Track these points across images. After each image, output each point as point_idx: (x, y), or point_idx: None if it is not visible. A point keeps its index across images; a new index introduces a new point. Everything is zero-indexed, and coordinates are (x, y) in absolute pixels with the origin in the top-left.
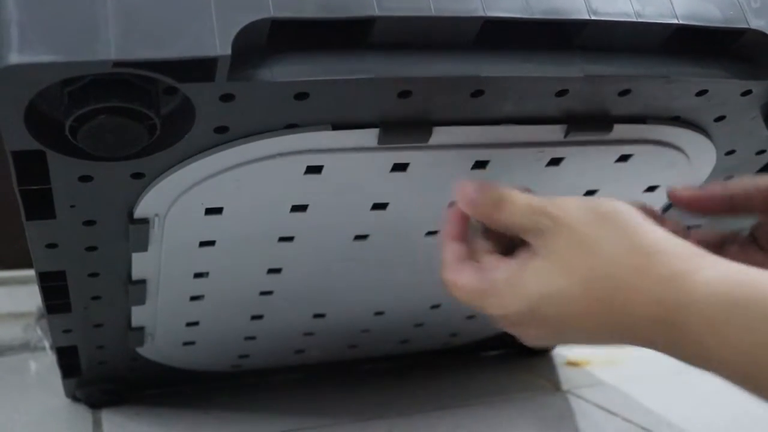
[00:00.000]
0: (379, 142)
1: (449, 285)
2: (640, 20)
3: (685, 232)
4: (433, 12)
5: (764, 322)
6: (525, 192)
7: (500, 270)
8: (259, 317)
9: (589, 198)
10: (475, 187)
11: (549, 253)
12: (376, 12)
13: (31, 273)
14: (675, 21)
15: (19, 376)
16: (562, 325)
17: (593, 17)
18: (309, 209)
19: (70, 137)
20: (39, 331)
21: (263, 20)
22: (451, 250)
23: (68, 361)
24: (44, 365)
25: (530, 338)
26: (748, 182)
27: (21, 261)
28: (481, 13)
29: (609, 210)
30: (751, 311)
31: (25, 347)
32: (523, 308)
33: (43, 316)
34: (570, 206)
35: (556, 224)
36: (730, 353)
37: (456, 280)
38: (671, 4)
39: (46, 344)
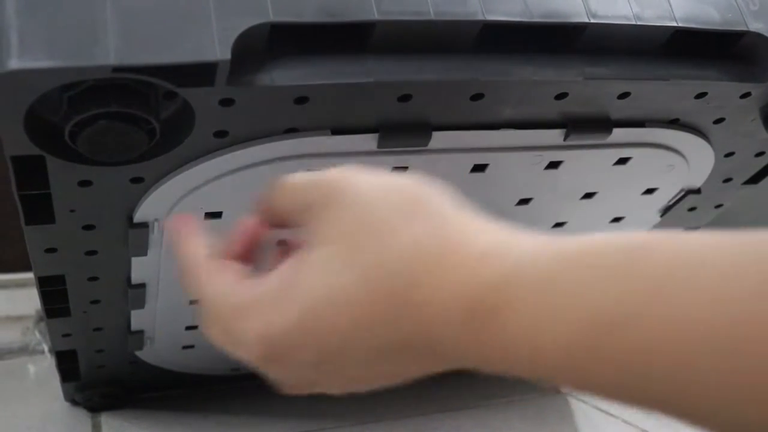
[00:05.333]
0: (379, 146)
1: (201, 299)
2: (639, 23)
3: None
4: (432, 16)
5: (618, 273)
6: None
7: (268, 279)
8: None
9: (383, 174)
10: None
11: (323, 241)
12: (376, 16)
13: (29, 276)
14: (674, 24)
15: (18, 380)
16: (337, 346)
17: (592, 20)
18: None
19: (69, 142)
20: (38, 335)
21: (263, 25)
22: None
23: (67, 365)
24: (43, 368)
25: (297, 377)
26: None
27: (19, 264)
28: (480, 17)
29: (406, 188)
30: (597, 267)
31: (24, 350)
32: (294, 318)
33: (42, 319)
34: (358, 179)
35: (334, 198)
36: (562, 321)
37: (207, 290)
38: (670, 6)
39: (45, 347)
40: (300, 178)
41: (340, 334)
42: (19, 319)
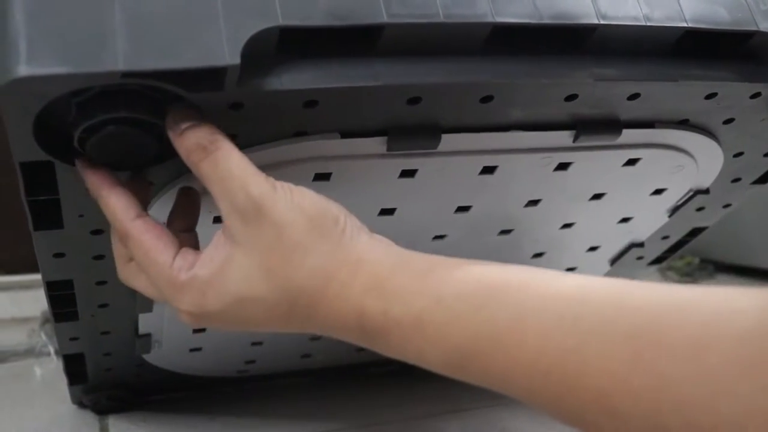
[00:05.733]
0: (388, 149)
1: (143, 249)
2: (648, 24)
3: None
4: (442, 18)
5: (469, 316)
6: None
7: (201, 266)
8: None
9: (300, 193)
10: (192, 121)
11: (253, 249)
12: (385, 19)
13: (35, 277)
14: (684, 24)
15: (25, 382)
16: (261, 323)
17: (602, 21)
18: None
19: (78, 148)
20: (43, 337)
21: (272, 28)
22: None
23: (75, 368)
24: (49, 371)
25: (216, 328)
26: None
27: (25, 265)
28: (490, 19)
29: (317, 214)
30: (455, 306)
31: (30, 353)
32: (222, 307)
33: (48, 321)
34: (280, 200)
35: (263, 218)
36: (436, 348)
37: (153, 252)
38: (680, 7)
39: (51, 349)
40: (245, 176)
41: (258, 321)
42: (24, 320)
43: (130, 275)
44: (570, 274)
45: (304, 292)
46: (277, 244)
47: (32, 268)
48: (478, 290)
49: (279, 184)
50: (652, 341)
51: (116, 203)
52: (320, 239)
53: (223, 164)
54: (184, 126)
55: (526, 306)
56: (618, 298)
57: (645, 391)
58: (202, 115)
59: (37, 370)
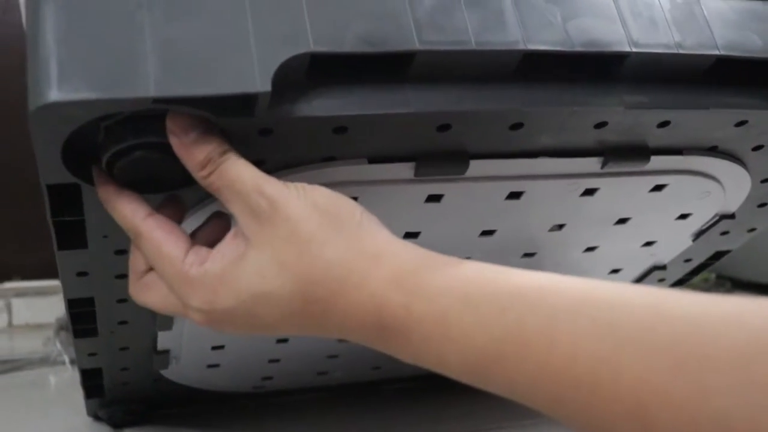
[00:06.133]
0: (416, 174)
1: (154, 246)
2: (681, 52)
3: None
4: (473, 45)
5: (497, 317)
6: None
7: (213, 261)
8: (285, 340)
9: (312, 189)
10: (198, 131)
11: (266, 246)
12: (417, 46)
13: (49, 284)
14: (716, 52)
15: (39, 391)
16: (274, 323)
17: (634, 49)
18: None
19: (105, 171)
20: (59, 345)
21: (303, 55)
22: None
23: (92, 382)
24: (64, 380)
25: (231, 332)
26: None
27: (39, 272)
28: (521, 46)
29: (331, 208)
30: (482, 306)
31: (45, 361)
32: (233, 304)
33: (63, 329)
34: (292, 197)
35: (276, 214)
36: (459, 350)
37: (165, 247)
38: (712, 34)
39: (66, 359)
40: (254, 176)
41: (271, 320)
42: (39, 327)
43: (140, 290)
44: (604, 281)
45: (320, 285)
46: (291, 238)
47: (47, 275)
48: (506, 291)
49: (291, 183)
50: (694, 351)
51: (125, 205)
52: (336, 232)
53: (233, 171)
54: (190, 136)
55: (557, 309)
56: (656, 305)
57: (685, 403)
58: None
59: (52, 379)
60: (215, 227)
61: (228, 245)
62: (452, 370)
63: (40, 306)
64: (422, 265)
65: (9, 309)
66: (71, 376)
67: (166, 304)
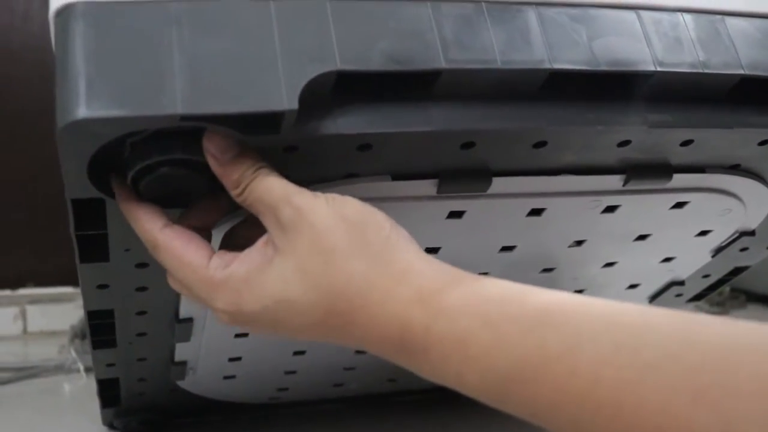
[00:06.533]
0: (438, 191)
1: (174, 255)
2: (705, 71)
3: None
4: (499, 64)
5: (518, 338)
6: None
7: (239, 264)
8: (302, 353)
9: (342, 201)
10: (234, 152)
11: (291, 254)
12: (443, 65)
13: (64, 290)
14: (741, 71)
15: (54, 399)
16: (296, 330)
17: (659, 68)
18: None
19: (131, 186)
20: (73, 353)
21: (330, 73)
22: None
23: (109, 392)
24: (78, 387)
25: (255, 332)
26: None
27: (54, 278)
28: (547, 65)
29: (359, 221)
30: (502, 327)
31: (60, 369)
32: (258, 309)
33: (77, 336)
34: (320, 207)
35: (301, 222)
36: (478, 370)
37: (186, 255)
38: (737, 53)
39: (81, 366)
40: (274, 190)
41: (293, 327)
42: (53, 334)
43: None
44: (628, 303)
45: (342, 298)
46: (316, 247)
47: (62, 281)
48: (528, 312)
49: (321, 193)
50: (718, 379)
51: (142, 215)
52: (362, 245)
53: (264, 185)
54: (227, 156)
55: (580, 332)
56: (681, 330)
57: (708, 431)
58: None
59: (67, 387)
60: (246, 234)
61: (257, 250)
62: (471, 389)
63: (54, 313)
64: (446, 283)
65: (24, 316)
66: (86, 384)
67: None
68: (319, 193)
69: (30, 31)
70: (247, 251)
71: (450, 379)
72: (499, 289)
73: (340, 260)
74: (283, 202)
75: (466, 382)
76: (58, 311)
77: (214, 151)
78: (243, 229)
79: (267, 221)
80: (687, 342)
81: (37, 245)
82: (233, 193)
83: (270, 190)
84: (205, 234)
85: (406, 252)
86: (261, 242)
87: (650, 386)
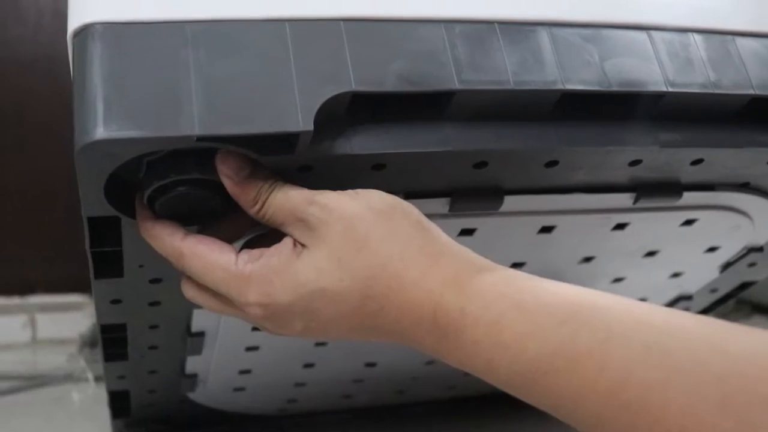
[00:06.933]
0: (450, 209)
1: (199, 260)
2: (716, 91)
3: None
4: (512, 85)
5: (551, 329)
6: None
7: (270, 256)
8: (311, 365)
9: (366, 193)
10: (248, 170)
11: (324, 245)
12: (456, 86)
13: (73, 298)
14: (751, 91)
15: (63, 408)
16: (329, 321)
17: (671, 89)
18: None
19: (147, 205)
20: (83, 362)
21: (345, 94)
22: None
23: (119, 403)
24: (88, 397)
25: (288, 332)
26: None
27: (63, 285)
28: (559, 86)
29: (387, 209)
30: (537, 316)
31: (69, 378)
32: (291, 299)
33: (87, 345)
34: (345, 200)
35: (330, 216)
36: (509, 357)
37: (212, 256)
38: (747, 73)
39: (90, 375)
40: (301, 191)
41: (327, 318)
42: (62, 342)
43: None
44: (660, 307)
45: (378, 281)
46: (348, 235)
47: (71, 288)
48: (562, 304)
49: (344, 190)
50: (744, 386)
51: (162, 229)
52: (394, 231)
53: (281, 195)
54: (241, 175)
55: (611, 329)
56: (710, 336)
57: None
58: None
59: (76, 396)
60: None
61: (285, 245)
62: (499, 377)
63: (64, 321)
64: (480, 269)
65: (33, 323)
66: (95, 393)
67: (218, 307)
68: (341, 191)
69: (41, 42)
70: (275, 246)
71: (480, 365)
72: (533, 281)
73: (374, 245)
74: (306, 203)
75: (496, 368)
76: (67, 319)
77: (228, 172)
78: (262, 242)
79: (292, 229)
80: (715, 348)
81: (47, 252)
82: (252, 211)
83: (289, 198)
84: None
85: (439, 237)
86: (288, 241)
87: (678, 388)
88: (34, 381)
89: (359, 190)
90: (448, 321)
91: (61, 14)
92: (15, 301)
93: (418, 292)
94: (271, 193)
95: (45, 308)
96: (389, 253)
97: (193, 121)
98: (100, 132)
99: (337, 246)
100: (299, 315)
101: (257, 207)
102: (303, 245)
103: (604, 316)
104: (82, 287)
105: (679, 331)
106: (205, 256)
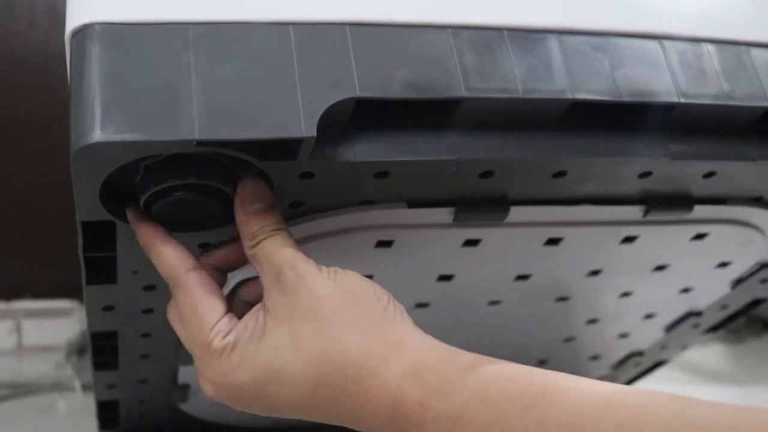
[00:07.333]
0: (455, 219)
1: (189, 302)
2: (730, 103)
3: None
4: (520, 93)
5: (517, 416)
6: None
7: (236, 332)
8: None
9: (343, 273)
10: (261, 205)
11: (284, 318)
12: (463, 93)
13: (61, 304)
14: (765, 104)
15: (49, 418)
16: (282, 404)
17: (683, 100)
18: (373, 279)
19: (143, 209)
20: (70, 370)
21: (349, 99)
22: (202, 281)
23: (108, 414)
24: (75, 406)
25: (240, 408)
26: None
27: (50, 290)
28: (569, 95)
29: (357, 292)
30: (501, 405)
31: (56, 386)
32: (245, 379)
33: (74, 353)
34: (322, 277)
35: (301, 288)
36: None
37: (200, 308)
38: (761, 84)
39: (77, 384)
40: (284, 252)
41: (279, 400)
42: (49, 349)
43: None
44: (636, 387)
45: (334, 368)
46: (312, 313)
47: (58, 293)
48: (527, 389)
49: (324, 267)
50: None
51: (171, 253)
52: (359, 315)
53: (275, 245)
54: (253, 207)
55: (581, 411)
56: (684, 413)
57: None
58: (272, 191)
59: (62, 406)
60: (253, 292)
61: (252, 315)
62: None
63: (50, 327)
64: (443, 360)
65: (19, 330)
66: (82, 402)
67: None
68: (323, 266)
69: (34, 38)
70: (244, 318)
71: None
72: (497, 367)
73: (335, 329)
74: (288, 265)
75: None
76: (54, 325)
77: (242, 198)
78: (252, 287)
79: (267, 280)
80: (690, 425)
81: (34, 256)
82: (246, 243)
83: (281, 251)
84: (222, 277)
85: (402, 323)
86: (257, 307)
87: None
88: (19, 389)
89: (338, 270)
90: (407, 415)
91: (54, 10)
92: (0, 306)
93: (375, 383)
94: (270, 236)
95: (31, 314)
96: (349, 338)
97: (193, 125)
98: (97, 135)
99: (299, 323)
100: (252, 395)
101: (252, 243)
102: (267, 309)
103: (573, 399)
104: (70, 292)
105: (652, 408)
106: (196, 303)
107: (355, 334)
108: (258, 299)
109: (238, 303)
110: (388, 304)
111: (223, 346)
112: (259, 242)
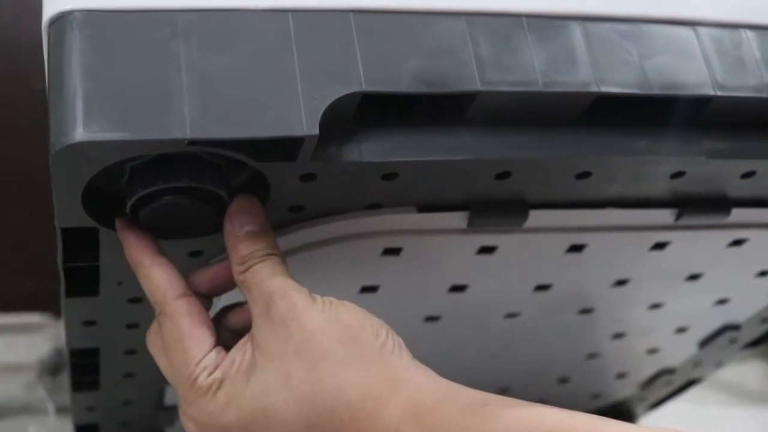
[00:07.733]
0: (469, 224)
1: (176, 332)
2: None
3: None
4: (540, 87)
5: None
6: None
7: (222, 368)
8: None
9: (339, 305)
10: (253, 228)
11: (274, 354)
12: (479, 87)
13: (30, 319)
14: None
15: None
16: None
17: (719, 93)
18: (379, 290)
19: (129, 215)
20: (42, 391)
21: (354, 95)
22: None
23: None
24: (48, 431)
25: None
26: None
27: (20, 303)
28: (594, 88)
29: (354, 326)
30: None
31: (26, 409)
32: (231, 419)
33: (47, 372)
34: (315, 308)
35: (292, 320)
36: None
37: (187, 341)
38: None
39: (50, 407)
40: (275, 281)
41: None
42: (18, 368)
43: (154, 344)
44: (651, 429)
45: (328, 410)
46: (304, 349)
47: (29, 307)
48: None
49: (319, 296)
50: None
51: (161, 276)
52: (355, 352)
53: (266, 272)
54: (244, 229)
55: None
56: None
57: None
58: (269, 195)
59: (33, 431)
60: (239, 319)
61: (239, 349)
62: None
63: (20, 344)
64: (444, 398)
65: None
66: (56, 427)
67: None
68: (317, 296)
69: (24, 28)
70: (230, 353)
71: None
72: (504, 405)
73: (329, 367)
74: (279, 294)
75: None
76: (24, 342)
77: (233, 219)
78: (239, 314)
79: (256, 310)
80: None
81: (2, 267)
82: (236, 268)
83: (272, 279)
84: (208, 302)
85: (401, 360)
86: (244, 340)
87: None
88: None
89: (333, 301)
90: None
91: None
92: None
93: (373, 425)
94: (261, 262)
95: None
96: (345, 377)
97: (185, 123)
98: (79, 133)
99: (290, 360)
100: None
101: (242, 268)
102: (255, 342)
103: None
104: (41, 306)
105: None
106: (183, 335)
107: (350, 373)
108: (246, 328)
109: (224, 332)
110: (387, 338)
111: (209, 384)
112: (249, 267)
